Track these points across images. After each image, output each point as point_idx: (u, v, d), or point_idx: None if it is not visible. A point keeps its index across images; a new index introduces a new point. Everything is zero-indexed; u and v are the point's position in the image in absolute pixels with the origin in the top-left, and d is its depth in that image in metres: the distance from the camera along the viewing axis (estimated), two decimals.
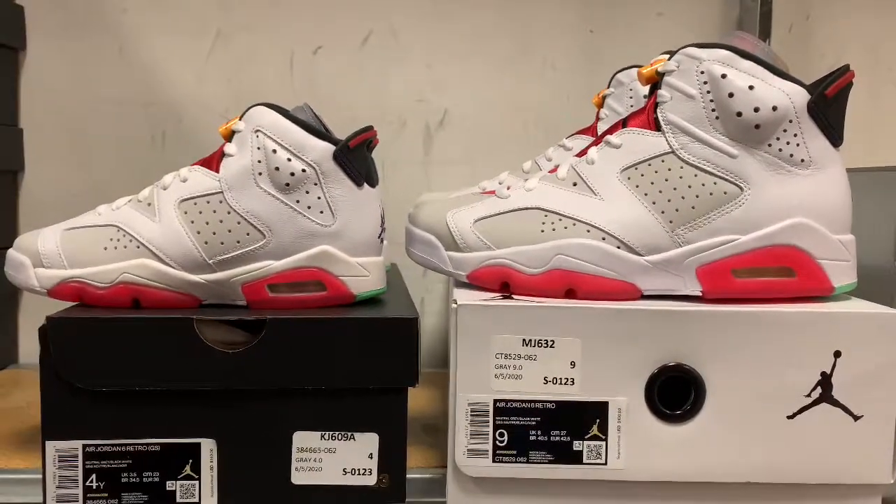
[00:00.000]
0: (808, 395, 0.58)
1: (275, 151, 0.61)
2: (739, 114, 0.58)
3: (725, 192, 0.59)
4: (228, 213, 0.61)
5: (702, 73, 0.58)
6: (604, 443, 0.58)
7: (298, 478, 0.60)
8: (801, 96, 0.58)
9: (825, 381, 0.57)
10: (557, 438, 0.58)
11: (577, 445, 0.58)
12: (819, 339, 0.57)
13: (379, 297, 0.66)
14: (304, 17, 0.99)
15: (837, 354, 0.57)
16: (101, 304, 0.61)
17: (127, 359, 0.58)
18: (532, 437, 0.58)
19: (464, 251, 0.61)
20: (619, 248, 0.59)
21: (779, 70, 0.58)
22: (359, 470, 0.60)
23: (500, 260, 0.60)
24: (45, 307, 0.61)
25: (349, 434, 0.60)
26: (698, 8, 1.03)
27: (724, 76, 0.58)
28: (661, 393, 0.58)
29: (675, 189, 0.59)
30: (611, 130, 0.62)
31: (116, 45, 0.98)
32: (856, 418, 0.58)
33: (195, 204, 0.61)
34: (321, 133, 0.61)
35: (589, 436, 0.58)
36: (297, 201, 0.61)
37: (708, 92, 0.58)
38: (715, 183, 0.59)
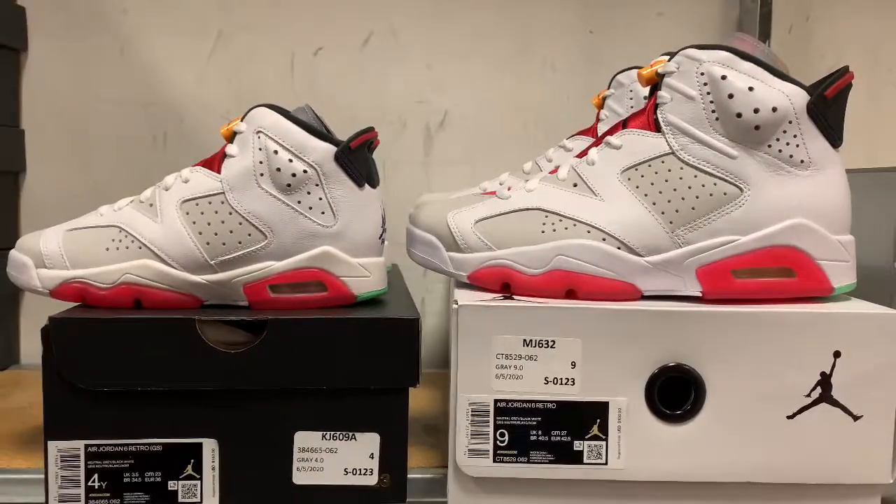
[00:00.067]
0: (808, 396, 0.58)
1: (276, 152, 0.61)
2: (739, 115, 0.58)
3: (725, 193, 0.59)
4: (230, 213, 0.61)
5: (702, 74, 0.59)
6: (604, 443, 0.58)
7: (300, 478, 0.60)
8: (800, 97, 0.58)
9: (825, 381, 0.58)
10: (558, 438, 0.58)
11: (577, 445, 0.58)
12: (819, 339, 0.57)
13: (380, 298, 0.66)
14: (305, 17, 0.99)
15: (837, 355, 0.57)
16: (103, 304, 0.61)
17: (129, 359, 0.58)
18: (533, 438, 0.58)
19: (464, 252, 0.61)
20: (619, 248, 0.59)
21: (778, 71, 0.58)
22: (360, 470, 0.61)
23: (500, 260, 0.60)
24: (46, 308, 0.61)
25: (350, 434, 0.60)
26: (698, 8, 1.03)
27: (723, 77, 0.58)
28: (661, 393, 0.58)
29: (675, 190, 0.59)
30: (611, 131, 0.62)
31: (117, 46, 0.98)
32: (855, 418, 0.58)
33: (197, 205, 0.62)
34: (322, 134, 0.62)
35: (589, 436, 0.58)
36: (299, 202, 0.61)
37: (708, 93, 0.58)
38: (715, 184, 0.59)
